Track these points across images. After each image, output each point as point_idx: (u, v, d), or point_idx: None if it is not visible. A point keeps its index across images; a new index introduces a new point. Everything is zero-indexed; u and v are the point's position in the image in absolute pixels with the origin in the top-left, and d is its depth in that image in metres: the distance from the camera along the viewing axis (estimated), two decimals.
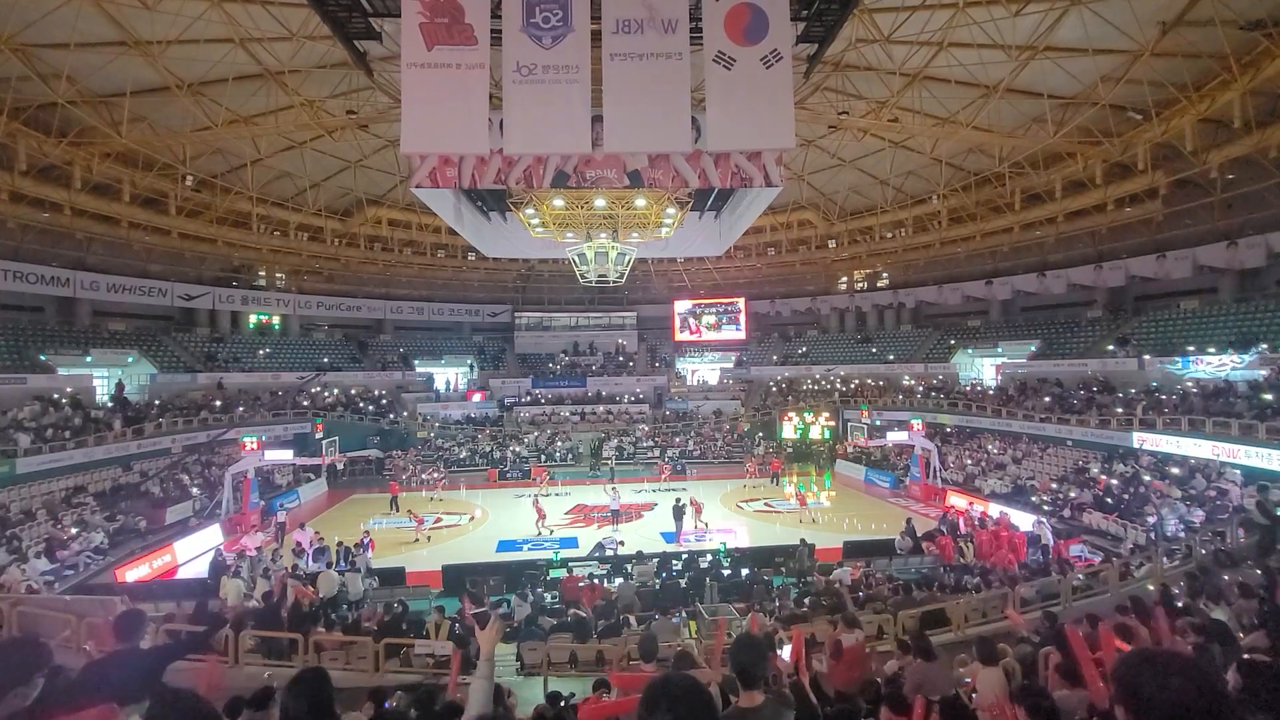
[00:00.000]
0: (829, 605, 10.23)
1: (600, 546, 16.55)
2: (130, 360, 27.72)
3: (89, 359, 25.93)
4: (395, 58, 16.45)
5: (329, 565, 13.80)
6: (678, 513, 19.45)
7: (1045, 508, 19.79)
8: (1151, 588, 8.08)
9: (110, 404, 24.61)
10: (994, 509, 19.40)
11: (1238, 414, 18.60)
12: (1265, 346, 20.43)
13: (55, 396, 22.61)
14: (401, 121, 10.48)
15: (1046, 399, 26.03)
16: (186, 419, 25.59)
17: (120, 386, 25.80)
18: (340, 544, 15.55)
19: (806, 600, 11.71)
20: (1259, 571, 8.35)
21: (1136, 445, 20.60)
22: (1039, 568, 13.43)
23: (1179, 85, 18.61)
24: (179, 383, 28.34)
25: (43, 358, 24.12)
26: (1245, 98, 17.43)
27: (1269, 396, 18.66)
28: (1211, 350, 21.97)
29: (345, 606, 12.32)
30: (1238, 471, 17.28)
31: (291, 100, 20.60)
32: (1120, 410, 22.22)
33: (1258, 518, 11.38)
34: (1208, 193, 23.63)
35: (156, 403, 26.12)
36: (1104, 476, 20.17)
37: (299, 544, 16.45)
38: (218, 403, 27.81)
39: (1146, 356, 23.98)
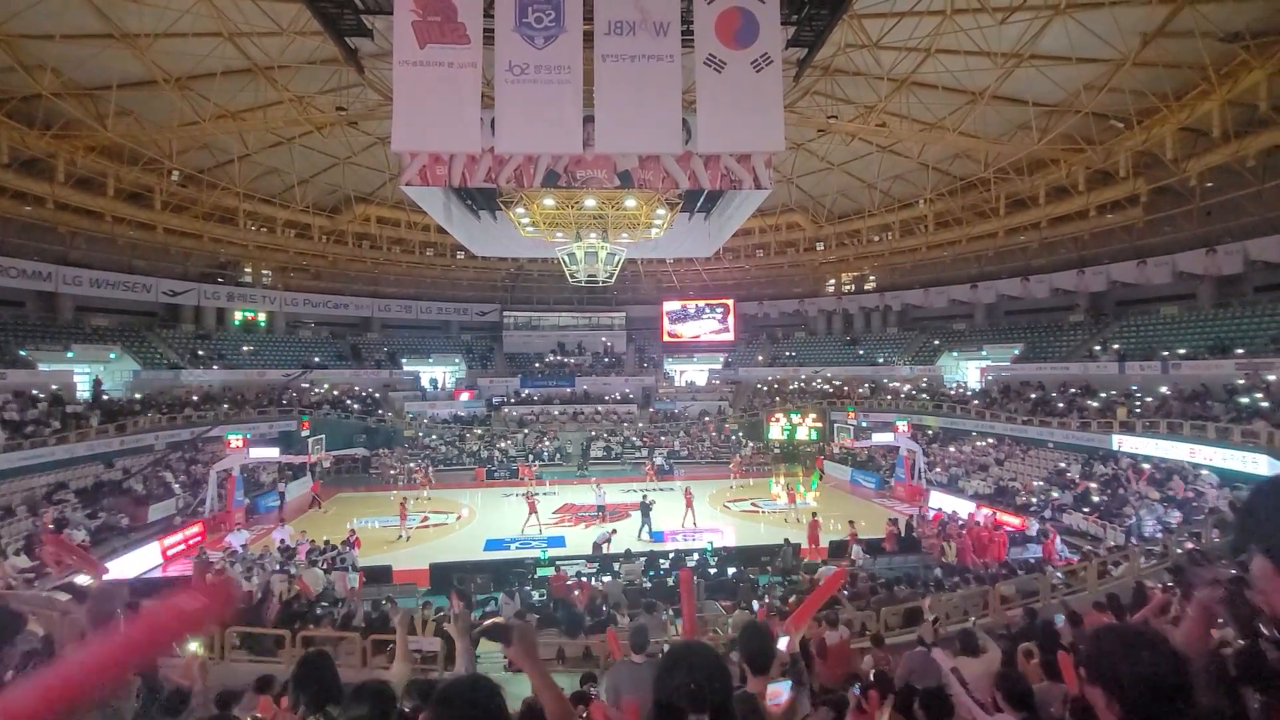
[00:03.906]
0: None
1: (597, 547, 16.60)
2: (113, 356, 27.36)
3: (70, 355, 25.56)
4: (386, 54, 16.40)
5: (312, 563, 13.76)
6: (645, 510, 19.58)
7: (1031, 508, 20.12)
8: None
9: (89, 400, 24.24)
10: (963, 509, 19.83)
11: (1214, 417, 19.02)
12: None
13: (34, 392, 22.28)
14: (392, 119, 10.46)
15: (1034, 395, 26.41)
16: (170, 416, 25.31)
17: (98, 383, 25.43)
18: (327, 541, 15.49)
19: (791, 599, 11.83)
20: (1233, 571, 8.58)
21: (1116, 447, 20.98)
22: (1025, 566, 13.65)
23: (1160, 95, 19.00)
24: (163, 379, 28.02)
25: (23, 353, 23.76)
26: (1224, 108, 17.81)
27: (1245, 400, 19.13)
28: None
29: (332, 604, 12.28)
30: (1214, 476, 17.66)
31: (280, 96, 20.48)
32: (1101, 413, 22.62)
33: (1231, 518, 11.69)
34: (1187, 200, 24.08)
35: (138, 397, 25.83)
36: (1084, 480, 20.48)
37: (281, 541, 16.40)
38: (195, 397, 27.53)
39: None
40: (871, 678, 4.59)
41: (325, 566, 14.17)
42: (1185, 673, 1.37)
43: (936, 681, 3.42)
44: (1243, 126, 18.79)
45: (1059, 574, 10.16)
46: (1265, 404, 18.48)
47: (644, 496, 20.28)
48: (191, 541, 18.85)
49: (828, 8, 12.17)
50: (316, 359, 34.74)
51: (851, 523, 17.19)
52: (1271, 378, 19.15)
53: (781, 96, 11.11)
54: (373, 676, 2.31)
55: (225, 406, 27.83)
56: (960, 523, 17.53)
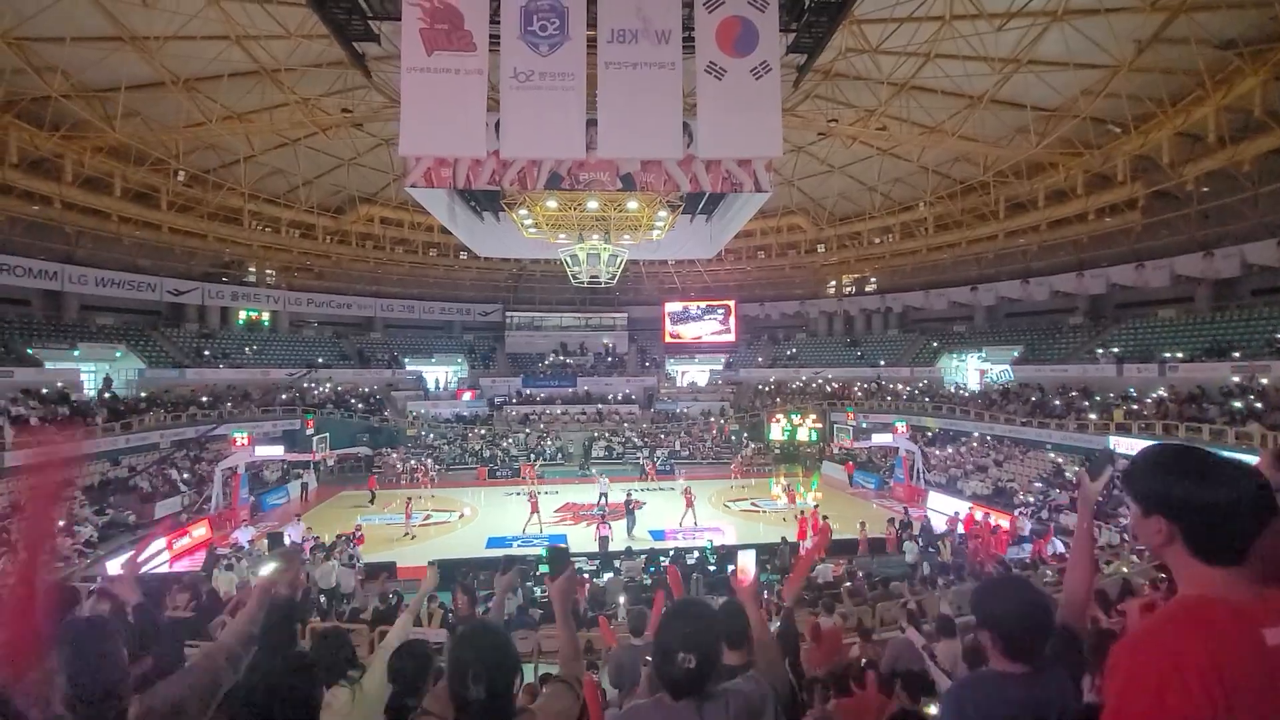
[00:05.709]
0: (809, 599, 10.56)
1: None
2: (118, 355, 27.64)
3: (76, 353, 25.81)
4: (391, 57, 16.66)
5: (327, 558, 14.02)
6: (629, 509, 19.62)
7: (1028, 509, 20.33)
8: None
9: (102, 397, 24.50)
10: (961, 509, 20.04)
11: (1209, 419, 19.20)
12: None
13: (42, 390, 22.52)
14: (400, 125, 10.68)
15: (1033, 397, 26.57)
16: (175, 414, 25.56)
17: (108, 380, 25.71)
18: (342, 534, 15.77)
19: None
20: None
21: (1113, 449, 21.15)
22: (1020, 565, 13.87)
23: (1156, 100, 19.16)
24: (167, 378, 28.28)
25: (29, 351, 24.02)
26: (1219, 113, 17.94)
27: (1239, 403, 19.32)
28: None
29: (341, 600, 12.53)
30: None
31: (287, 98, 20.69)
32: (1096, 415, 22.80)
33: None
34: (1185, 204, 24.22)
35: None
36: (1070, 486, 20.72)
37: (291, 540, 16.62)
38: (204, 398, 27.79)
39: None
40: (862, 664, 4.82)
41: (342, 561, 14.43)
42: (1047, 606, 1.66)
43: (919, 664, 3.63)
44: (1238, 132, 18.92)
45: (1049, 572, 10.36)
46: (1260, 406, 18.67)
47: (628, 494, 20.21)
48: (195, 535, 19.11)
49: (827, 15, 12.37)
50: (320, 359, 34.99)
51: (900, 521, 17.42)
52: (1265, 380, 19.35)
53: (780, 103, 11.31)
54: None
55: (229, 405, 28.08)
56: (960, 524, 17.78)
